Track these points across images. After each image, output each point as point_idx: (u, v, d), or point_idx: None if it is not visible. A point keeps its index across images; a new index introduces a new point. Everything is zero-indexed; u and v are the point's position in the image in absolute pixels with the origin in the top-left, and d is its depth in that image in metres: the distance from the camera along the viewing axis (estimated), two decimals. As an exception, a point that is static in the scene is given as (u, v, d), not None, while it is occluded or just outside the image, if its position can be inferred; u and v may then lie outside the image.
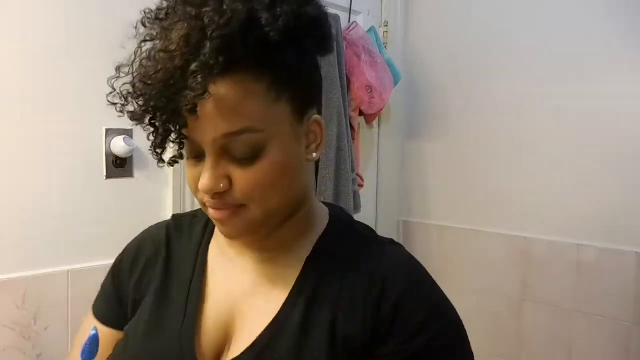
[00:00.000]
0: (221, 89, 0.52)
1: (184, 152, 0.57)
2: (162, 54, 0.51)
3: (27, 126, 1.15)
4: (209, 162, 0.55)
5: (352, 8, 1.91)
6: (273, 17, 0.52)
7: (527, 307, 1.75)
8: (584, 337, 1.63)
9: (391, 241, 0.67)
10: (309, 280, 0.62)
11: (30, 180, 1.17)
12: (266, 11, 0.52)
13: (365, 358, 0.57)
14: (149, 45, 0.53)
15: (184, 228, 0.73)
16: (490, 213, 1.85)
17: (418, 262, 0.65)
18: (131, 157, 1.31)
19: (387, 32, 2.05)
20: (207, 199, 0.58)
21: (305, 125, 0.60)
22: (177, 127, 0.53)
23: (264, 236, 0.63)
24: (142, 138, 0.58)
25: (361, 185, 1.87)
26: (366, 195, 1.99)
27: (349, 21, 1.88)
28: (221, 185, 0.55)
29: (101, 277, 0.76)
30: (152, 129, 0.53)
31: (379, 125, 2.10)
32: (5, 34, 1.12)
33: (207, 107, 0.52)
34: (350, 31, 1.80)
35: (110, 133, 1.26)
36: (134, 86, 0.53)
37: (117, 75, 0.55)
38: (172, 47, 0.50)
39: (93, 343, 0.64)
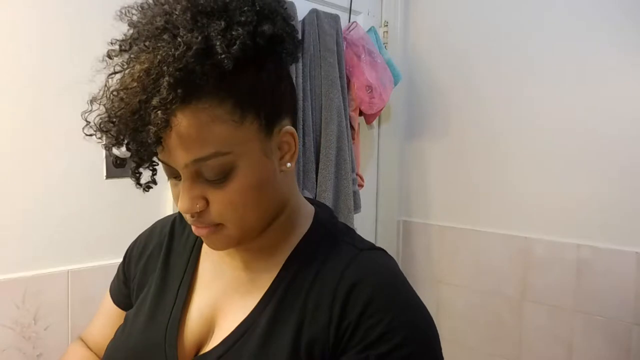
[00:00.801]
0: (183, 120, 0.53)
1: (165, 172, 0.60)
2: (125, 90, 0.52)
3: (27, 126, 1.16)
4: (184, 184, 0.58)
5: (352, 8, 1.91)
6: (227, 43, 0.53)
7: (527, 307, 1.75)
8: (584, 337, 1.63)
9: (371, 246, 0.67)
10: (283, 282, 0.63)
11: (30, 180, 1.17)
12: (221, 36, 0.52)
13: None
14: (117, 76, 0.55)
15: (185, 223, 0.76)
16: (490, 213, 1.85)
17: (394, 269, 0.64)
18: (131, 157, 1.31)
19: (387, 32, 2.05)
20: (187, 217, 0.60)
21: (276, 138, 0.60)
22: (147, 156, 0.55)
23: (248, 242, 0.65)
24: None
25: (361, 185, 1.87)
26: (366, 195, 1.99)
27: (349, 21, 1.88)
28: (197, 205, 0.58)
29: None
30: (129, 154, 0.55)
31: (379, 125, 2.11)
32: (5, 34, 1.12)
33: (172, 138, 0.54)
34: (350, 31, 1.81)
35: (110, 133, 1.26)
36: (103, 122, 0.54)
37: (90, 109, 0.56)
38: (134, 84, 0.51)
39: None
